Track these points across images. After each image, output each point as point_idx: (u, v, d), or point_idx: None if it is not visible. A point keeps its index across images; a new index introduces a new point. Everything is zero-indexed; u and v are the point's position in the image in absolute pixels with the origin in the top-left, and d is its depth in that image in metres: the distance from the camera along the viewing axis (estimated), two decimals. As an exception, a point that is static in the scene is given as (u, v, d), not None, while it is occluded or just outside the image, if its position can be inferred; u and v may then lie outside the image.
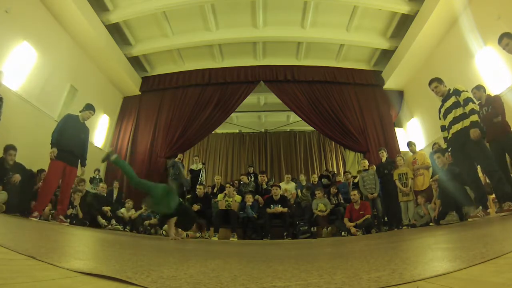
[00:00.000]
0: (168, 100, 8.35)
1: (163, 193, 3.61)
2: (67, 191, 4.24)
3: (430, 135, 6.92)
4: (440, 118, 3.66)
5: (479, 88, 3.76)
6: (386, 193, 5.48)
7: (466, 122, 3.21)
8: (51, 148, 3.90)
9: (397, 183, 5.26)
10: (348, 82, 8.25)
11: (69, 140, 4.06)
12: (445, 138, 3.60)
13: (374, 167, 5.95)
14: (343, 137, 7.81)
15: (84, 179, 5.64)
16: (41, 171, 5.30)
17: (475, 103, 3.28)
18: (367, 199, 5.40)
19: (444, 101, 3.54)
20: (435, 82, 3.58)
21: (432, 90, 3.63)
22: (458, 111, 3.31)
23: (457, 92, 3.36)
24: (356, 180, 6.27)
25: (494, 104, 3.52)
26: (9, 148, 4.16)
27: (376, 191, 5.42)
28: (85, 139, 4.40)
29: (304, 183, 6.91)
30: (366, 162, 5.86)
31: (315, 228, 5.29)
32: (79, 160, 4.27)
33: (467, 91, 3.36)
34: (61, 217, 4.00)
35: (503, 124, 3.40)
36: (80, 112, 4.39)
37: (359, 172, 6.51)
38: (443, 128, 3.62)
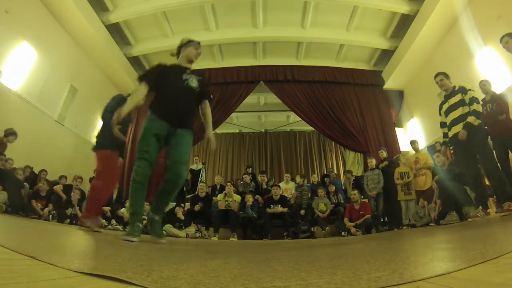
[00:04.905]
0: (168, 100, 8.34)
1: None
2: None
3: (430, 135, 6.92)
4: (440, 115, 3.66)
5: (486, 83, 3.75)
6: (386, 192, 5.47)
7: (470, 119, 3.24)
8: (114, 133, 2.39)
9: (398, 181, 5.25)
10: (348, 82, 8.25)
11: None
12: (444, 134, 3.61)
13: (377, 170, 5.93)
14: (343, 137, 7.81)
15: (81, 176, 5.38)
16: (42, 171, 5.31)
17: (479, 103, 3.30)
18: (369, 199, 5.39)
19: (448, 97, 3.55)
20: (441, 75, 3.58)
21: (437, 82, 3.61)
22: (465, 109, 3.33)
23: (463, 90, 3.38)
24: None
25: (499, 102, 3.53)
26: None
27: (376, 190, 5.41)
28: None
29: (300, 183, 6.80)
30: (373, 161, 5.83)
31: (315, 228, 5.29)
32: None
33: (473, 90, 3.38)
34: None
35: (507, 122, 3.41)
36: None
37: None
38: (443, 125, 3.63)
